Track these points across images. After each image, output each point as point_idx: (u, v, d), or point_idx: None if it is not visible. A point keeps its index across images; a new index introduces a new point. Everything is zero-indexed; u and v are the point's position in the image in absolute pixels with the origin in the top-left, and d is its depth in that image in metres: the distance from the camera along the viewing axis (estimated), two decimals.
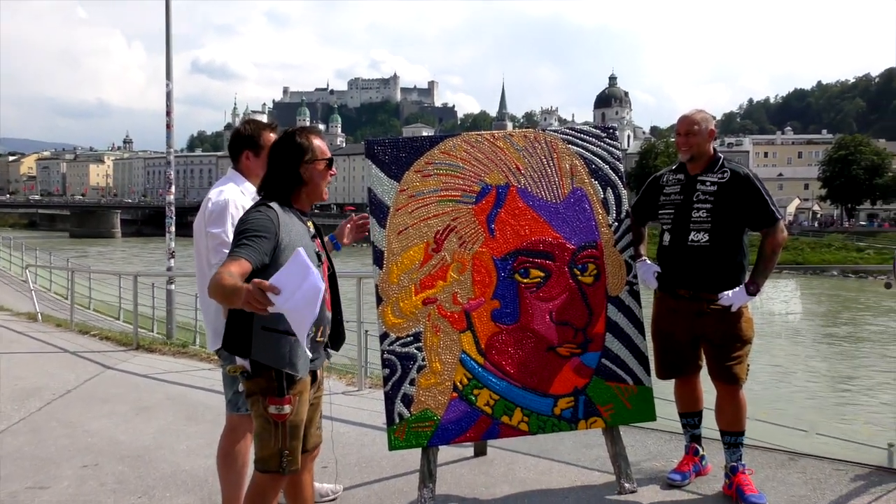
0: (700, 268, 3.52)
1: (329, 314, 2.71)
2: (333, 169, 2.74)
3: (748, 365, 3.57)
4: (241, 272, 2.26)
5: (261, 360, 2.49)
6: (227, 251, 2.92)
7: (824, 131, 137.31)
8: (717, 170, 3.57)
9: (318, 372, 2.72)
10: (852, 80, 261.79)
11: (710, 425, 3.76)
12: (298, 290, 2.09)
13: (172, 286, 10.27)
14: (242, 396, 3.01)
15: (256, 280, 2.10)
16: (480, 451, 4.30)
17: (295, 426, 2.56)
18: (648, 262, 3.76)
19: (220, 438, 3.26)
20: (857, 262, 54.29)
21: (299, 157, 2.62)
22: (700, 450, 3.79)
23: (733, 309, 3.46)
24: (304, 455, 2.79)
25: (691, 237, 3.53)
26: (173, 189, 10.61)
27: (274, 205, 2.54)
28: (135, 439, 4.96)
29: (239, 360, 2.53)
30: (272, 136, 3.20)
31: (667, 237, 3.66)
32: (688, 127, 3.58)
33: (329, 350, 2.84)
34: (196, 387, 6.57)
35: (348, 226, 3.33)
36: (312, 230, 2.70)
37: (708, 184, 3.55)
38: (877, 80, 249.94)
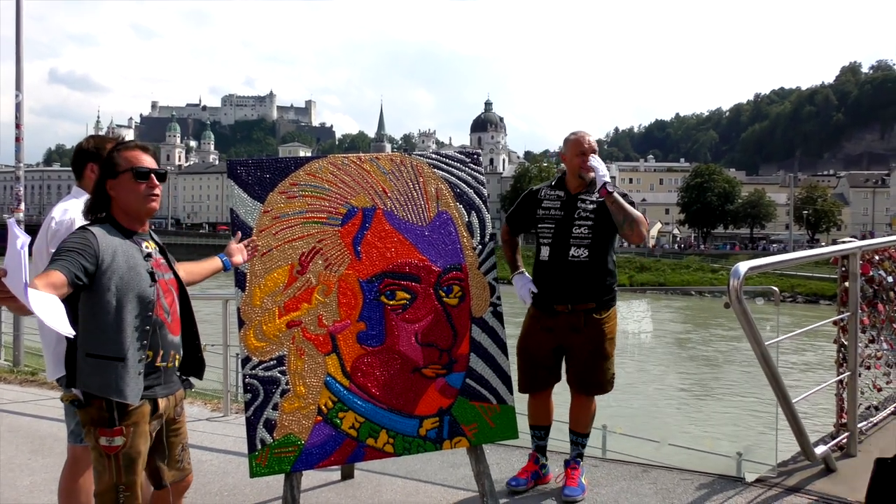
0: (579, 282, 3.70)
1: (176, 338, 2.59)
2: (153, 180, 2.53)
3: (613, 373, 3.83)
4: (45, 283, 2.15)
5: (87, 389, 2.37)
6: None
7: (682, 160, 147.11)
8: (596, 190, 3.75)
9: (162, 402, 2.54)
10: (706, 114, 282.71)
11: (559, 437, 3.95)
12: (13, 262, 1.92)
13: None
14: None
15: None
16: (347, 475, 4.26)
17: (131, 459, 2.41)
18: (527, 275, 3.88)
19: (61, 473, 3.06)
20: (713, 282, 58.08)
21: (104, 174, 2.52)
22: (540, 458, 3.96)
23: (605, 178, 3.61)
24: (162, 491, 2.66)
25: (572, 252, 3.70)
26: (23, 206, 9.92)
27: (94, 228, 2.42)
28: None
29: (74, 389, 2.39)
30: None
31: (545, 252, 3.80)
32: (590, 150, 3.74)
33: (189, 379, 2.72)
34: (45, 417, 6.13)
35: (234, 245, 3.29)
36: (149, 249, 2.55)
37: (588, 202, 3.74)
38: (727, 114, 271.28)
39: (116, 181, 2.50)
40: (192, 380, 2.77)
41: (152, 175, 2.53)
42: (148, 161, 2.54)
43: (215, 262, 3.13)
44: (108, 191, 2.50)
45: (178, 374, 2.65)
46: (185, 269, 2.93)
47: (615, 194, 3.61)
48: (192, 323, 2.70)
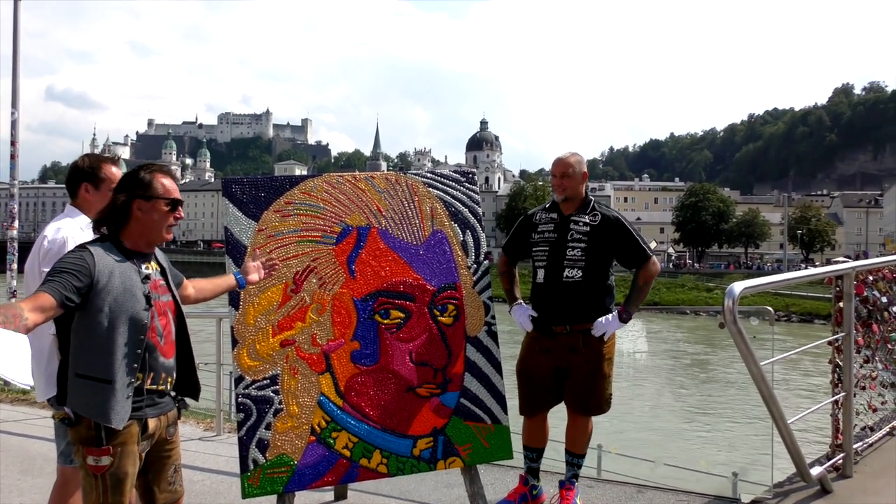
0: (574, 302, 3.69)
1: (169, 361, 2.56)
2: (180, 212, 2.58)
3: (610, 394, 3.80)
4: (33, 305, 2.14)
5: (74, 409, 2.35)
6: None
7: (677, 179, 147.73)
8: (589, 212, 3.77)
9: (152, 422, 2.51)
10: (700, 134, 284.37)
11: (554, 456, 3.91)
12: None
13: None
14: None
15: None
16: (340, 495, 4.22)
17: (118, 479, 2.38)
18: (524, 305, 3.88)
19: (50, 494, 3.03)
20: (708, 301, 57.99)
21: (136, 193, 2.49)
22: (530, 480, 3.93)
23: (606, 336, 3.67)
24: None
25: (566, 273, 3.69)
26: (16, 223, 9.88)
27: (94, 246, 2.40)
28: None
29: (65, 407, 2.37)
30: (113, 170, 3.07)
31: (541, 274, 3.80)
32: (563, 169, 3.76)
33: (184, 400, 2.69)
34: (35, 437, 6.06)
35: (251, 263, 3.19)
36: (149, 270, 2.53)
37: (581, 224, 3.74)
38: (721, 134, 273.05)
39: (148, 204, 2.49)
40: (187, 400, 2.73)
41: (179, 206, 2.57)
42: (177, 191, 2.58)
43: (229, 280, 3.08)
44: (134, 210, 2.49)
45: (171, 394, 2.61)
46: (196, 286, 2.90)
47: (628, 313, 3.71)
48: (187, 345, 2.67)
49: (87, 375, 2.33)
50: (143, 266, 2.51)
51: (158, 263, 2.61)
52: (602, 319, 3.67)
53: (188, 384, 2.68)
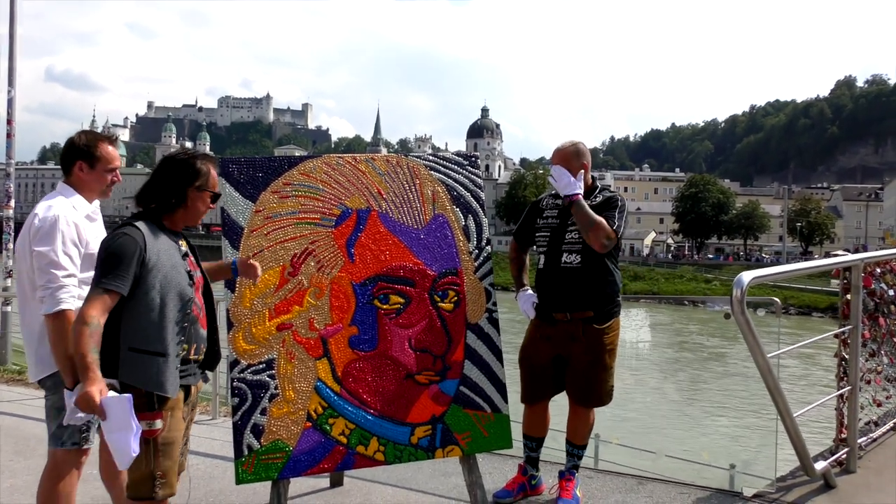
0: (574, 289, 3.60)
1: (204, 332, 2.67)
2: (214, 204, 2.77)
3: (612, 385, 3.72)
4: (102, 309, 2.31)
5: (128, 382, 2.41)
6: (56, 271, 2.71)
7: (677, 170, 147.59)
8: (594, 196, 3.69)
9: (193, 389, 2.66)
10: (702, 124, 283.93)
11: (554, 446, 3.85)
12: (115, 432, 2.24)
13: (8, 307, 9.44)
14: (68, 430, 2.78)
15: (99, 398, 2.20)
16: (336, 482, 4.17)
17: (168, 444, 2.47)
18: (529, 291, 3.81)
19: (41, 476, 2.96)
20: (706, 292, 58.04)
21: (192, 180, 2.60)
22: (529, 470, 3.88)
23: (556, 185, 3.61)
24: None
25: (564, 259, 3.62)
26: (13, 203, 9.84)
27: (140, 224, 2.49)
28: None
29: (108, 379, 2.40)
30: (110, 149, 3.01)
31: (542, 260, 3.76)
32: (558, 160, 3.70)
33: (205, 373, 2.78)
34: (31, 417, 6.01)
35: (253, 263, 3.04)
36: (185, 248, 2.66)
37: None
38: (722, 125, 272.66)
39: (199, 195, 2.64)
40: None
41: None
42: None
43: (219, 267, 3.08)
44: (188, 196, 2.62)
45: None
46: None
47: (581, 201, 3.54)
48: (213, 318, 2.77)
49: (142, 349, 2.43)
50: (180, 243, 2.64)
51: (187, 241, 2.72)
52: (565, 174, 3.58)
53: (210, 354, 2.77)
